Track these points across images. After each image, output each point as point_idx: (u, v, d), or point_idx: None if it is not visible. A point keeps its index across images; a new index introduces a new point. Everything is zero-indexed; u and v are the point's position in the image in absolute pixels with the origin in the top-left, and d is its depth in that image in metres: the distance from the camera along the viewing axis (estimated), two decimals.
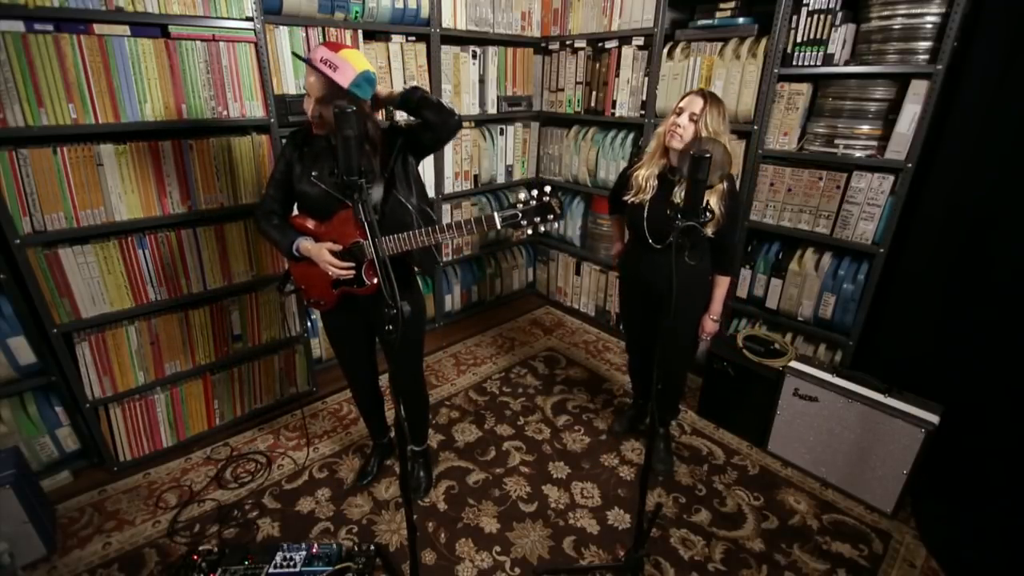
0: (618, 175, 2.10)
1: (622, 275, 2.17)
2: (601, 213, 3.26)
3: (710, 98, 1.73)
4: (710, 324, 2.01)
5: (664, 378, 1.84)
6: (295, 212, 1.68)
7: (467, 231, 1.45)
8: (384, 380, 2.22)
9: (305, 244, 1.56)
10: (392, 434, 2.19)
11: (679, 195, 1.78)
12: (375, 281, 1.56)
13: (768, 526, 1.97)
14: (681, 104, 1.77)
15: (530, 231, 1.43)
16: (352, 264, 1.55)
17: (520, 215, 1.39)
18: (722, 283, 1.97)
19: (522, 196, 1.40)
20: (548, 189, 1.40)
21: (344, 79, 1.41)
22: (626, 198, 1.92)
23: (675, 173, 1.82)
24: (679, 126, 1.74)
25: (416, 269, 1.76)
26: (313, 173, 1.55)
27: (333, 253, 1.54)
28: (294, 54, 1.52)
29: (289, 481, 2.13)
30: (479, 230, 1.45)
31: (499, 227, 1.42)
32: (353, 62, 1.43)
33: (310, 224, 1.59)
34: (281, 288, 1.80)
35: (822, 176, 2.25)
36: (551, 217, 1.41)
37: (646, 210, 1.85)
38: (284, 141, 1.66)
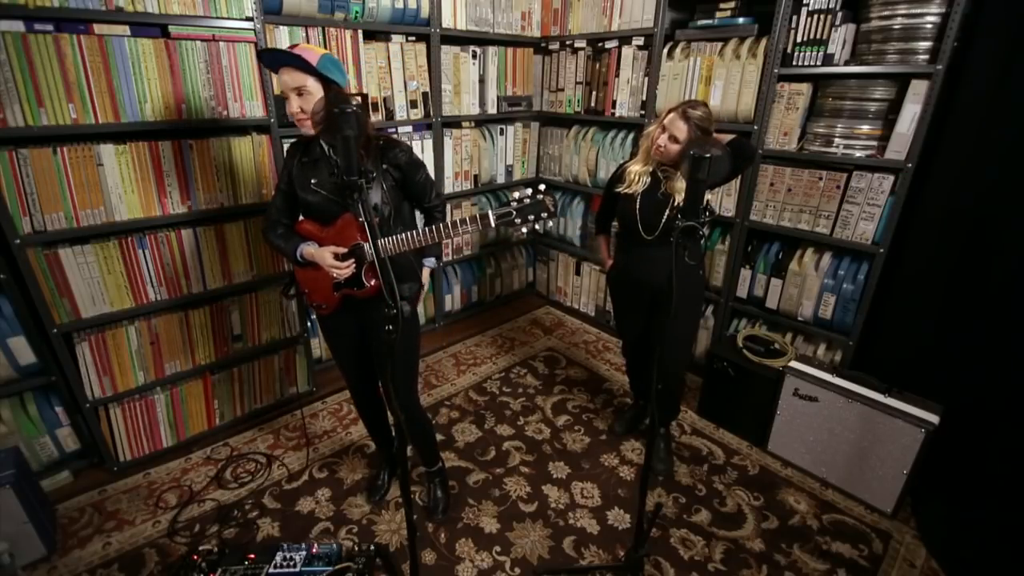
0: (608, 180, 2.12)
1: (612, 275, 2.19)
2: None
3: (695, 126, 1.76)
4: None
5: (664, 377, 1.84)
6: (301, 219, 1.68)
7: (463, 231, 1.45)
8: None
9: (309, 249, 1.58)
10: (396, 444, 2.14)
11: (667, 186, 1.87)
12: (373, 283, 1.59)
13: (768, 526, 1.97)
14: (665, 121, 1.84)
15: (524, 229, 1.43)
16: (353, 261, 1.56)
17: (514, 213, 1.39)
18: None
19: (516, 194, 1.40)
20: (542, 187, 1.40)
21: (312, 58, 1.42)
22: (618, 189, 1.99)
23: (664, 170, 1.91)
24: (662, 147, 1.83)
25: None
26: (312, 180, 1.56)
27: (335, 256, 1.55)
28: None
29: (289, 481, 2.13)
30: (474, 229, 1.45)
31: (493, 225, 1.41)
32: (311, 48, 1.45)
33: (314, 229, 1.61)
34: (286, 292, 1.81)
35: (822, 176, 2.24)
36: (545, 215, 1.40)
37: (638, 202, 1.93)
38: (286, 153, 1.67)
